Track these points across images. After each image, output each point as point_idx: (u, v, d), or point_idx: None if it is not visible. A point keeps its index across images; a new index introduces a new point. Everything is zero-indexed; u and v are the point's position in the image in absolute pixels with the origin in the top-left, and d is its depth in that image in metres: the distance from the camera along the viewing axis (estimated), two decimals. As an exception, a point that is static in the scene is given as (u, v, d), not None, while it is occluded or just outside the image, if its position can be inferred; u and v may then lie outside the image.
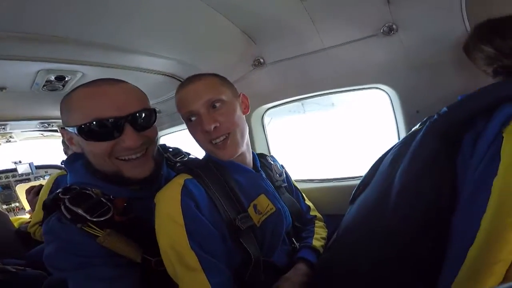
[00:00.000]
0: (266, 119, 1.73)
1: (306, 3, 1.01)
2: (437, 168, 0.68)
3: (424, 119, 0.83)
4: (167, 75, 1.54)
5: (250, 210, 0.86)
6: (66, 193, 0.79)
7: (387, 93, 1.29)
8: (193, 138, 0.92)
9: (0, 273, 1.44)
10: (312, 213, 1.16)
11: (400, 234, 0.69)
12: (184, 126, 0.97)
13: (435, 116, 0.75)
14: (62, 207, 0.76)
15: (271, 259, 0.88)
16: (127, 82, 0.83)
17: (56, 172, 1.86)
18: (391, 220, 0.71)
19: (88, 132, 0.75)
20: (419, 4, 0.99)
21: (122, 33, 1.05)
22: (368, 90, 1.35)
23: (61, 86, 1.35)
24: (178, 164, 0.99)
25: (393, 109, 1.30)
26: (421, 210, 0.67)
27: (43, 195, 1.69)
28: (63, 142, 2.45)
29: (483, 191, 0.56)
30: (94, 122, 0.74)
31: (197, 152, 1.21)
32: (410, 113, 1.20)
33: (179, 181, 0.81)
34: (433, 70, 1.11)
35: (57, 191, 0.81)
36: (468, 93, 0.73)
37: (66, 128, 0.80)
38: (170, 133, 2.32)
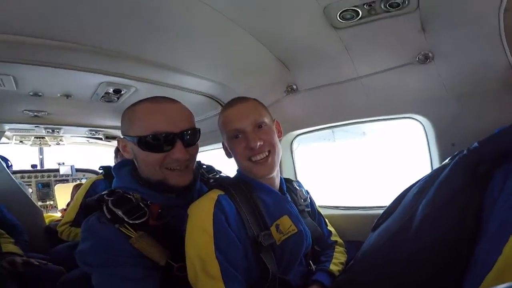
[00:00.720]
0: (294, 145, 1.77)
1: (340, 32, 1.05)
2: (462, 201, 0.67)
3: (455, 153, 0.82)
4: (207, 96, 1.67)
5: (273, 229, 0.90)
6: (110, 195, 0.89)
7: (421, 123, 1.26)
8: (232, 154, 0.99)
9: (24, 265, 1.57)
10: (333, 238, 1.16)
11: (420, 262, 0.69)
12: (215, 146, 1.06)
13: (465, 152, 0.75)
14: (104, 208, 0.84)
15: (287, 278, 0.90)
16: (180, 102, 0.94)
17: (94, 176, 2.02)
18: (411, 249, 0.72)
19: (145, 143, 0.85)
20: (456, 32, 0.97)
21: (173, 54, 1.20)
22: (402, 120, 1.34)
23: (116, 99, 1.52)
24: (212, 181, 1.06)
25: (427, 141, 1.26)
26: (440, 242, 0.68)
27: (78, 197, 1.82)
28: (116, 151, 2.69)
29: (508, 228, 0.56)
30: (152, 135, 0.84)
31: (227, 170, 1.29)
32: (445, 146, 1.16)
33: (213, 195, 0.88)
34: (471, 101, 1.07)
35: (103, 193, 0.91)
36: (503, 127, 0.73)
37: (125, 137, 0.91)
38: (203, 151, 2.44)
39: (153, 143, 0.85)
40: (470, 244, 0.63)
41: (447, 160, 0.85)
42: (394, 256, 0.76)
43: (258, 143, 0.90)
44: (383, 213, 0.94)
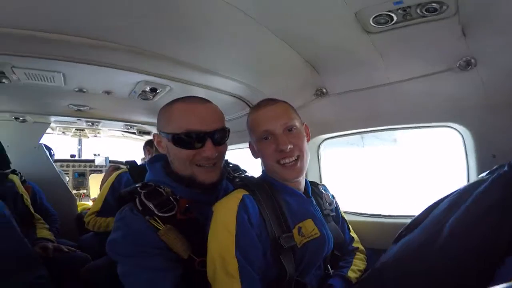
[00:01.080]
0: (322, 148, 1.75)
1: (373, 37, 1.02)
2: (498, 217, 0.65)
3: (494, 167, 0.78)
4: (236, 97, 1.71)
5: (295, 231, 0.91)
6: (143, 188, 0.94)
7: (460, 133, 1.21)
8: (259, 155, 1.01)
9: (56, 251, 1.69)
10: (354, 244, 1.15)
11: (442, 276, 0.69)
12: (241, 145, 1.08)
13: (506, 168, 0.71)
14: (137, 200, 0.90)
15: (304, 280, 0.90)
16: (211, 102, 0.98)
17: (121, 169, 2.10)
18: (434, 262, 0.71)
19: (178, 139, 0.91)
20: (500, 37, 0.92)
21: (205, 56, 1.24)
22: (438, 129, 1.29)
23: (151, 97, 1.61)
24: (237, 180, 1.08)
25: (465, 151, 1.21)
26: (468, 256, 0.66)
27: (105, 189, 1.88)
28: (145, 147, 2.81)
29: None
30: (185, 133, 0.90)
31: (252, 170, 1.31)
32: (485, 157, 1.10)
33: (238, 195, 0.90)
34: None
35: (136, 185, 0.96)
36: None
37: (160, 133, 0.98)
38: (230, 150, 2.47)
39: (186, 140, 0.90)
40: (499, 262, 0.61)
41: (484, 174, 0.81)
42: (416, 268, 0.75)
43: (289, 146, 0.91)
44: (408, 224, 0.92)
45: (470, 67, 1.02)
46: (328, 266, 1.03)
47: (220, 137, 0.95)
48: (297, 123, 0.97)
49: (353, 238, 1.17)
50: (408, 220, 0.95)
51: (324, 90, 1.42)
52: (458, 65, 1.03)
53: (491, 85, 1.04)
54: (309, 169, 1.67)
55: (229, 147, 2.54)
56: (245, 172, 1.30)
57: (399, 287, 0.77)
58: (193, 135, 0.90)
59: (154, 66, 1.28)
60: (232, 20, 0.98)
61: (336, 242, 1.04)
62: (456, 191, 0.84)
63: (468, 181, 1.18)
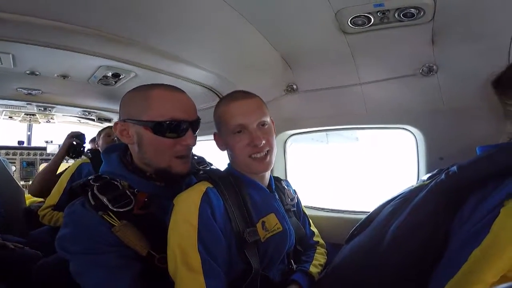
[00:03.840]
0: (288, 143, 1.79)
1: (348, 37, 1.05)
2: (434, 224, 0.72)
3: (435, 171, 0.85)
4: (206, 87, 1.67)
5: (258, 225, 0.91)
6: (96, 181, 0.88)
7: (414, 135, 1.29)
8: (228, 148, 0.99)
9: (0, 248, 1.54)
10: (315, 238, 1.19)
11: (384, 280, 0.76)
12: (209, 137, 1.07)
13: (443, 176, 0.77)
14: (89, 193, 0.84)
15: (268, 275, 0.92)
16: (185, 92, 0.96)
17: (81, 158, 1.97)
18: (378, 270, 0.77)
19: (161, 128, 0.87)
20: (465, 47, 0.97)
21: (176, 43, 1.19)
22: (396, 130, 1.36)
23: (113, 82, 1.51)
24: (201, 172, 1.05)
25: (417, 153, 1.29)
26: (405, 262, 0.73)
27: (63, 180, 1.75)
28: (92, 141, 2.59)
29: (462, 256, 0.62)
30: (170, 121, 0.87)
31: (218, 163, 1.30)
32: (433, 159, 1.19)
33: (201, 187, 0.88)
34: (463, 116, 1.10)
35: (89, 178, 0.90)
36: (485, 148, 0.75)
37: (128, 120, 0.90)
38: (198, 141, 2.42)
39: (169, 128, 0.87)
40: (434, 263, 0.69)
41: (426, 177, 0.88)
42: (364, 271, 0.81)
43: (263, 142, 0.91)
44: (360, 223, 0.97)
45: (431, 73, 1.08)
46: (291, 260, 1.06)
47: (197, 127, 0.96)
48: (268, 119, 0.98)
49: (313, 232, 1.21)
50: (364, 216, 1.00)
51: (295, 87, 1.44)
52: (421, 70, 1.10)
53: (447, 92, 1.11)
54: (275, 165, 1.70)
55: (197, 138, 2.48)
56: (211, 165, 1.28)
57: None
58: (176, 124, 0.88)
59: (118, 50, 1.20)
60: (209, 7, 0.94)
61: (298, 237, 1.07)
62: (400, 194, 0.90)
63: (418, 180, 1.28)
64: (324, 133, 1.66)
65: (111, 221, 0.80)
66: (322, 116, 1.50)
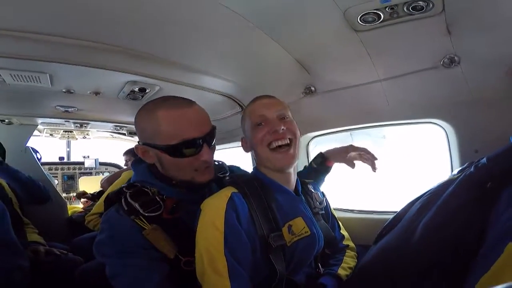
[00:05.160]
0: (311, 146, 1.78)
1: (361, 35, 1.04)
2: (462, 220, 0.67)
3: (465, 165, 0.80)
4: (226, 96, 1.71)
5: (284, 229, 0.91)
6: (129, 188, 0.94)
7: (444, 129, 1.24)
8: (251, 144, 1.01)
9: (47, 254, 1.67)
10: (345, 242, 1.16)
11: (420, 277, 0.70)
12: (231, 144, 1.09)
13: (472, 169, 0.73)
14: (123, 200, 0.90)
15: (294, 278, 0.91)
16: (195, 102, 0.96)
17: (117, 170, 2.09)
18: (410, 264, 0.73)
19: (175, 151, 0.88)
20: (484, 36, 0.94)
21: (195, 55, 1.24)
22: (425, 125, 1.31)
23: (140, 97, 1.60)
24: (227, 178, 1.09)
25: (449, 147, 1.23)
26: (434, 263, 0.68)
27: (110, 190, 1.89)
28: (126, 153, 2.79)
29: (498, 249, 0.57)
30: (181, 143, 0.87)
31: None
32: (467, 152, 1.13)
33: (226, 193, 0.90)
34: (496, 107, 1.04)
35: (122, 186, 0.96)
36: None
37: (145, 144, 0.93)
38: (220, 149, 2.49)
39: (183, 150, 0.88)
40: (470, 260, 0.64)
41: (455, 172, 0.83)
42: (393, 270, 0.77)
43: (282, 127, 0.93)
44: (388, 223, 0.94)
45: (453, 64, 1.04)
46: (319, 264, 1.04)
47: (212, 138, 0.96)
48: (290, 115, 1.01)
49: (343, 236, 1.18)
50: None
51: (313, 88, 1.44)
52: (442, 62, 1.05)
53: (473, 82, 1.06)
54: (299, 167, 1.69)
55: (219, 146, 2.54)
56: (232, 171, 1.28)
57: None
58: (189, 143, 0.88)
59: (142, 66, 1.28)
60: (222, 20, 0.98)
61: (327, 240, 1.05)
62: (428, 191, 0.86)
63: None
64: (348, 133, 1.63)
65: (142, 225, 0.85)
66: (343, 116, 1.48)
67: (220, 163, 1.29)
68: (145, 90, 1.52)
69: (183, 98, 0.95)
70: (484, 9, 0.87)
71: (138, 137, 0.97)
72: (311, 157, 1.75)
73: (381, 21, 0.95)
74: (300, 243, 0.92)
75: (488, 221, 0.64)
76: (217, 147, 2.54)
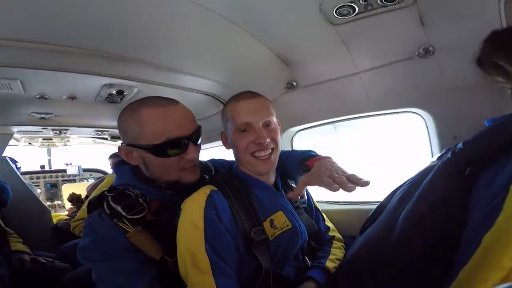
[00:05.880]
0: (297, 140, 1.78)
1: (338, 28, 1.05)
2: (445, 209, 0.66)
3: (444, 150, 0.81)
4: (208, 95, 1.69)
5: (266, 224, 0.92)
6: (110, 192, 0.92)
7: (422, 117, 1.27)
8: (233, 146, 1.01)
9: (32, 263, 1.64)
10: (331, 233, 1.17)
11: (404, 268, 0.70)
12: (219, 143, 1.07)
13: (449, 155, 0.72)
14: (105, 204, 0.88)
15: (281, 272, 0.93)
16: (179, 102, 0.95)
17: (102, 175, 2.06)
18: (394, 255, 0.72)
19: (160, 150, 0.87)
20: (456, 25, 0.97)
21: (174, 55, 1.22)
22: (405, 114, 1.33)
23: (119, 99, 1.56)
24: (207, 177, 1.08)
25: (429, 135, 1.27)
26: (415, 256, 0.67)
27: (94, 195, 1.86)
28: (112, 157, 2.74)
29: (476, 240, 0.57)
30: (166, 142, 0.86)
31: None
32: (446, 139, 1.16)
33: (205, 190, 0.90)
34: (471, 93, 1.07)
35: (104, 190, 0.94)
36: (493, 120, 0.71)
37: (129, 145, 0.91)
38: (204, 149, 2.45)
39: (168, 149, 0.87)
40: (455, 248, 0.63)
41: (435, 159, 0.84)
42: (378, 261, 0.76)
43: (267, 140, 0.93)
44: (369, 217, 0.94)
45: (428, 54, 1.06)
46: (306, 257, 1.05)
47: (198, 137, 0.96)
48: (275, 119, 1.00)
49: (328, 227, 1.19)
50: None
51: (295, 83, 1.45)
52: (417, 53, 1.08)
53: (448, 71, 1.09)
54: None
55: (204, 146, 2.51)
56: (217, 170, 1.27)
57: (364, 282, 0.78)
58: (175, 142, 0.87)
59: (118, 68, 1.24)
60: (200, 19, 0.97)
61: (311, 233, 1.07)
62: (409, 179, 0.86)
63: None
64: (332, 126, 1.64)
65: (126, 228, 0.84)
66: (325, 109, 1.49)
67: (205, 162, 1.27)
68: (123, 92, 1.47)
69: (167, 98, 0.93)
70: (455, 0, 0.89)
71: (122, 138, 0.95)
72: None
73: (356, 14, 0.96)
74: (282, 236, 0.94)
75: (467, 210, 0.64)
76: (202, 146, 2.53)
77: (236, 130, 0.96)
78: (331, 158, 0.96)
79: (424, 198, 0.71)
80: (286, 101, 1.54)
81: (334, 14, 0.96)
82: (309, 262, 1.04)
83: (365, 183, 0.74)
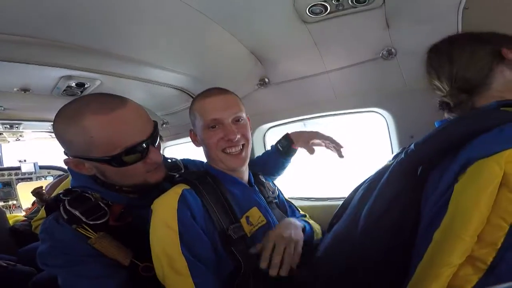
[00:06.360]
0: (270, 137, 1.79)
1: (310, 27, 1.06)
2: (399, 207, 0.69)
3: (399, 150, 0.85)
4: (178, 89, 1.64)
5: (243, 221, 0.91)
6: (67, 195, 0.85)
7: (384, 117, 1.33)
8: (203, 144, 0.99)
9: None
10: (305, 219, 1.19)
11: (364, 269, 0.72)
12: (187, 139, 1.04)
13: (403, 155, 0.74)
14: (61, 208, 0.81)
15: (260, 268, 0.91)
16: (131, 100, 0.84)
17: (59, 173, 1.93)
18: (358, 254, 0.73)
19: (119, 160, 0.78)
20: (418, 29, 1.00)
21: (139, 46, 1.15)
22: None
23: (79, 92, 1.45)
24: (177, 176, 1.03)
25: (389, 134, 1.33)
26: (380, 249, 0.69)
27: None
28: None
29: (427, 238, 0.60)
30: (124, 151, 0.78)
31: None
32: (405, 138, 1.23)
33: (177, 190, 0.86)
34: (427, 95, 1.09)
35: (59, 192, 0.87)
36: (441, 122, 0.75)
37: (80, 159, 0.80)
38: (174, 144, 2.40)
39: (127, 158, 0.79)
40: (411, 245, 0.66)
41: (391, 159, 0.87)
42: (346, 259, 0.77)
43: (237, 136, 0.91)
44: (335, 214, 0.95)
45: (391, 56, 1.11)
46: None
47: (157, 137, 0.89)
48: (244, 115, 0.98)
49: (304, 215, 1.22)
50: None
51: (267, 80, 1.44)
52: (381, 54, 1.12)
53: (408, 73, 1.15)
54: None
55: (173, 142, 2.43)
56: (186, 167, 1.23)
57: (335, 281, 0.78)
58: (134, 150, 0.79)
59: (78, 59, 1.16)
60: (170, 10, 0.93)
61: None
62: (369, 177, 0.88)
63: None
64: (302, 123, 1.67)
65: (86, 234, 0.78)
66: (295, 107, 1.52)
67: (174, 160, 1.23)
68: (84, 85, 1.37)
69: (111, 95, 0.81)
70: (420, 3, 0.93)
71: (66, 150, 0.82)
72: (268, 147, 1.77)
73: (328, 13, 0.97)
74: (259, 232, 0.93)
75: (420, 208, 0.68)
76: (170, 143, 2.44)
77: (205, 127, 0.94)
78: None
79: (382, 196, 0.73)
80: (258, 97, 1.54)
81: (307, 12, 0.97)
82: None
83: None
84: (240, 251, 0.85)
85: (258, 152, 1.71)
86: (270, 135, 1.80)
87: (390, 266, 0.69)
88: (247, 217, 0.94)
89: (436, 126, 0.79)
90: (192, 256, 0.78)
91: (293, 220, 0.98)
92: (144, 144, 0.81)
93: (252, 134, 1.63)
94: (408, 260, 0.65)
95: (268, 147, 1.76)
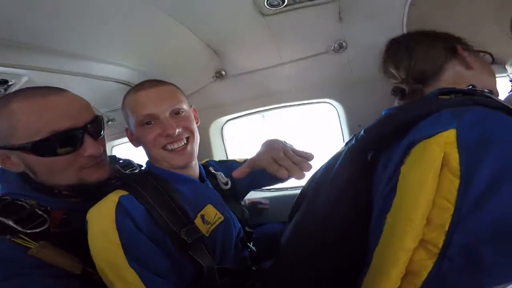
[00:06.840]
0: (231, 130, 1.77)
1: (267, 19, 1.05)
2: (353, 192, 0.70)
3: (350, 137, 0.87)
4: (123, 83, 1.49)
5: (198, 221, 0.86)
6: None
7: (335, 107, 1.40)
8: (140, 143, 0.91)
9: None
10: None
11: (321, 259, 0.71)
12: None
13: (353, 141, 0.76)
14: None
15: (225, 266, 0.87)
16: (68, 91, 0.79)
17: None
18: (317, 246, 0.73)
19: (45, 147, 0.70)
20: (367, 23, 1.06)
21: (74, 38, 1.00)
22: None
23: (2, 90, 1.22)
24: (114, 180, 0.91)
25: (340, 123, 1.42)
26: (340, 236, 0.69)
27: None
28: None
29: (380, 223, 0.59)
30: (51, 136, 0.70)
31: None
32: (353, 127, 1.32)
33: (113, 198, 0.78)
34: (373, 86, 1.21)
35: None
36: (387, 110, 0.79)
37: (4, 147, 0.72)
38: (123, 143, 2.22)
39: (56, 145, 0.71)
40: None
41: (343, 146, 0.87)
42: (308, 250, 0.75)
43: (177, 130, 0.84)
44: (294, 204, 0.92)
45: (341, 49, 1.18)
46: (248, 244, 1.03)
47: (98, 128, 0.81)
48: (185, 106, 0.90)
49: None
50: None
51: (223, 72, 1.41)
52: (333, 48, 1.18)
53: (356, 65, 1.23)
54: (214, 152, 1.68)
55: (121, 140, 2.26)
56: (141, 167, 1.14)
57: (297, 270, 0.77)
58: (62, 136, 0.71)
59: (-1, 54, 0.96)
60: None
61: (243, 220, 1.04)
62: (323, 165, 0.88)
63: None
64: (260, 116, 1.67)
65: (25, 244, 0.69)
66: (253, 99, 1.52)
67: (126, 160, 1.13)
68: (7, 82, 1.16)
69: (50, 87, 0.76)
70: None
71: None
72: (226, 140, 1.74)
73: (285, 5, 0.97)
74: (218, 230, 0.90)
75: (372, 193, 0.69)
76: (118, 141, 2.25)
77: (139, 124, 0.86)
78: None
79: (335, 182, 0.74)
80: (214, 90, 1.50)
81: (265, 5, 0.95)
82: (253, 248, 1.03)
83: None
84: (199, 254, 0.80)
85: (216, 146, 1.68)
86: (228, 128, 1.76)
87: (351, 253, 0.69)
88: (202, 216, 0.88)
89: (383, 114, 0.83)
90: (141, 267, 0.71)
91: (267, 141, 0.92)
92: (76, 133, 0.73)
93: (208, 127, 1.60)
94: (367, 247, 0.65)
95: (227, 141, 1.74)
